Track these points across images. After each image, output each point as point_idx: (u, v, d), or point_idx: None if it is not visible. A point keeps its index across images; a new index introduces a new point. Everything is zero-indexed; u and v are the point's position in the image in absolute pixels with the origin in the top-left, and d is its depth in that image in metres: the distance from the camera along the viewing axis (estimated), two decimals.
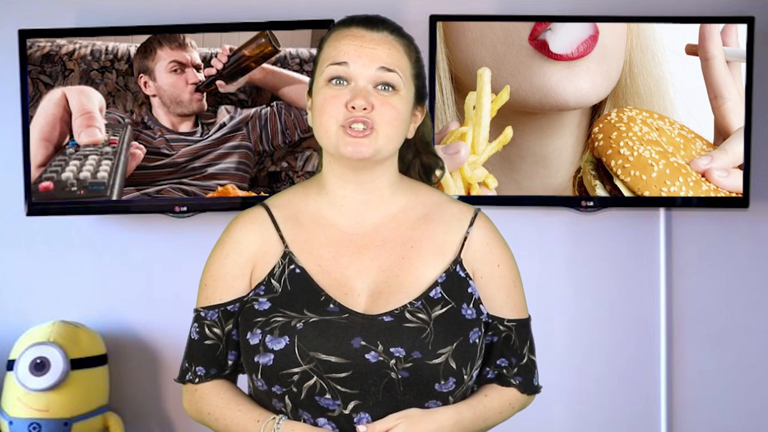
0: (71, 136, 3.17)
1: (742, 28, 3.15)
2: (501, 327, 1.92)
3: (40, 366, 3.03)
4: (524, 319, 1.95)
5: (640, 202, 3.15)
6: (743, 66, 3.15)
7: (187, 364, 1.93)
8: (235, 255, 1.90)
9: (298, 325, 1.80)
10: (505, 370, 1.93)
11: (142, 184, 3.18)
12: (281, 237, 1.90)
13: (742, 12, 3.20)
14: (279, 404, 1.83)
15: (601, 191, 3.17)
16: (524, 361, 1.94)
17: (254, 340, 1.82)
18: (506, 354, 1.93)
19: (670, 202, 3.16)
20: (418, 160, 2.01)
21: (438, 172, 2.02)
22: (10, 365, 3.10)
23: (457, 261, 1.89)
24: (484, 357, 1.91)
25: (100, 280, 3.33)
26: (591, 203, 3.20)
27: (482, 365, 1.92)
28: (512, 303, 1.93)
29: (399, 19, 1.94)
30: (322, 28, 3.13)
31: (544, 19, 3.14)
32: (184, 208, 3.18)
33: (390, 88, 1.85)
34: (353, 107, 1.82)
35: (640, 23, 3.16)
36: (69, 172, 3.14)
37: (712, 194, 3.15)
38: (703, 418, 3.33)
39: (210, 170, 3.19)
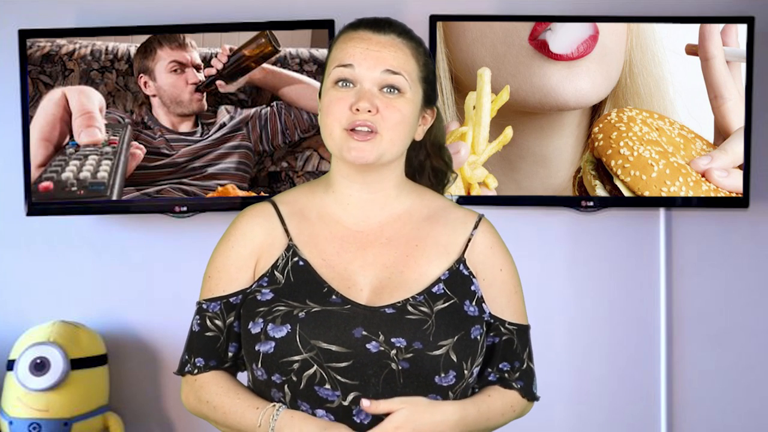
0: (71, 136, 3.17)
1: (742, 28, 3.15)
2: (503, 329, 1.93)
3: (40, 366, 3.03)
4: (524, 326, 1.96)
5: (640, 202, 3.15)
6: (743, 66, 3.15)
7: (186, 356, 1.93)
8: (239, 247, 1.91)
9: (300, 314, 1.81)
10: (506, 374, 1.94)
11: (142, 184, 3.18)
12: (286, 231, 1.91)
13: (742, 12, 3.21)
14: (278, 394, 1.83)
15: (601, 191, 3.17)
16: (524, 366, 1.95)
17: (256, 329, 1.83)
18: (508, 358, 1.94)
19: (670, 202, 3.16)
20: (429, 162, 2.02)
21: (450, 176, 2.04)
22: (10, 365, 3.10)
23: (461, 260, 1.91)
24: (486, 358, 1.92)
25: (100, 280, 3.33)
26: (591, 203, 3.20)
27: (484, 366, 1.93)
28: (513, 308, 1.94)
29: (399, 19, 1.94)
30: (322, 28, 3.14)
31: (544, 19, 3.14)
32: (184, 208, 3.18)
33: (395, 91, 1.86)
34: (357, 110, 1.83)
35: (640, 23, 3.17)
36: (69, 172, 3.14)
37: (712, 194, 3.15)
38: (703, 418, 3.33)
39: (210, 170, 3.19)
